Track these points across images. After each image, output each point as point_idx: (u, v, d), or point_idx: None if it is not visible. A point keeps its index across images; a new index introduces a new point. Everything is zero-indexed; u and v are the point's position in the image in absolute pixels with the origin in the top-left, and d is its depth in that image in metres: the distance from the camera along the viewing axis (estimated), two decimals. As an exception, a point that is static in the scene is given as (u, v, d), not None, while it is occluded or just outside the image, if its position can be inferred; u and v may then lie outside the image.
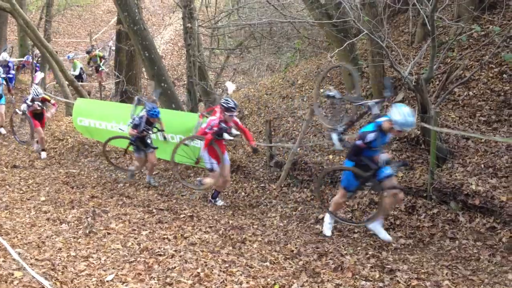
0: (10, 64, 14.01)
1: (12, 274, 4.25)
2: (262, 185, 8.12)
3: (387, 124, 5.34)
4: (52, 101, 10.85)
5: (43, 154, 10.52)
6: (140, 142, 8.28)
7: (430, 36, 6.51)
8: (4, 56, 13.61)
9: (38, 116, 10.49)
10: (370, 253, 5.31)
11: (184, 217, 6.56)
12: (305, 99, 10.59)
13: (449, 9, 9.57)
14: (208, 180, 7.32)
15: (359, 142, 5.49)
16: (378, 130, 5.40)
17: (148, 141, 8.37)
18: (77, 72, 16.90)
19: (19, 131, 11.95)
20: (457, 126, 7.19)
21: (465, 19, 8.34)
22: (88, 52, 18.79)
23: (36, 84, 10.79)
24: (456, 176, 6.40)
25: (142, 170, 9.16)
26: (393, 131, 5.35)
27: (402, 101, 8.15)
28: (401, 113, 5.16)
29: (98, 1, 29.76)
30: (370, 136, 5.39)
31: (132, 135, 8.15)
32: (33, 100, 10.16)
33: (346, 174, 5.90)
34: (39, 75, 11.47)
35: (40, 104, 10.30)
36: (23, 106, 10.31)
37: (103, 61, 18.65)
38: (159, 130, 8.45)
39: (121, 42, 15.29)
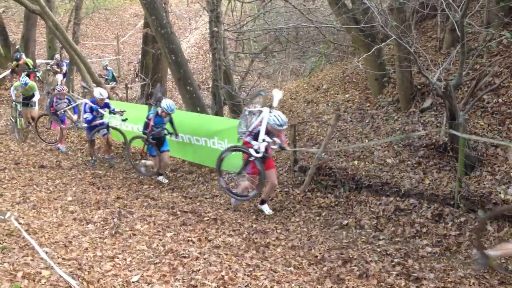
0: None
1: (40, 273, 4.32)
2: (286, 189, 8.09)
3: None
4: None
5: (266, 209, 7.36)
6: None
7: (459, 42, 6.44)
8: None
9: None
10: (395, 260, 5.24)
11: (208, 219, 6.59)
12: (330, 104, 10.53)
13: (478, 15, 9.43)
14: None
15: None
16: None
17: None
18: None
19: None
20: (486, 133, 7.06)
21: (495, 25, 8.22)
22: (16, 60, 15.86)
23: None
24: (484, 184, 6.28)
25: None
26: None
27: (430, 107, 8.05)
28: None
29: (126, 5, 30.27)
30: None
31: None
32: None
33: None
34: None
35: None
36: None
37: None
38: None
39: (148, 45, 15.49)
